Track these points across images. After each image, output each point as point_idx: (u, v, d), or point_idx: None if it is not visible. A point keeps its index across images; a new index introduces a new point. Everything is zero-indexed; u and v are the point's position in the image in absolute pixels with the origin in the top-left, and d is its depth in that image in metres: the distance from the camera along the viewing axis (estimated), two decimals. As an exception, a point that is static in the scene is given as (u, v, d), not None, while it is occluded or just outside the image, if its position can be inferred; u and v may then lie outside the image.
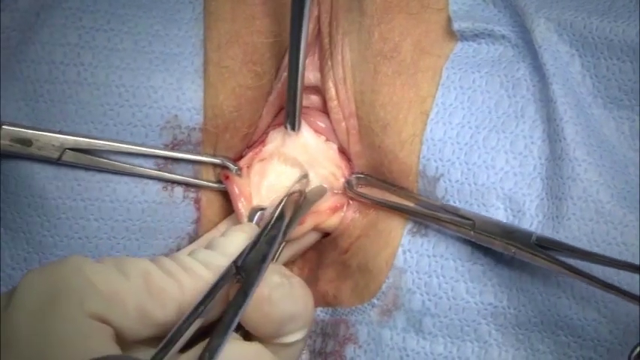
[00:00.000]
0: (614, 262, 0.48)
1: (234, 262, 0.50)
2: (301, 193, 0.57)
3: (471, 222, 0.53)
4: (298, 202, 0.57)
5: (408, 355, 0.55)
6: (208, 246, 0.52)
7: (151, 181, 0.57)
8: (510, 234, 0.51)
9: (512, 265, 0.52)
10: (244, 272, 0.50)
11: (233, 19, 0.57)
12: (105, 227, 0.56)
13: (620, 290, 0.48)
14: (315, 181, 0.59)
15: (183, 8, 0.57)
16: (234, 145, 0.59)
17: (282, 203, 0.55)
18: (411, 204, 0.56)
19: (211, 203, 0.59)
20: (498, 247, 0.52)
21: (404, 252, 0.56)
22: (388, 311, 0.56)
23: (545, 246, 0.50)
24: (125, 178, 0.56)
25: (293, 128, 0.58)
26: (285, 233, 0.54)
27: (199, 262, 0.50)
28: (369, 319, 0.57)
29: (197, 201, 0.58)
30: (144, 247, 0.57)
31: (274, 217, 0.54)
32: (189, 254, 0.51)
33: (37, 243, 0.56)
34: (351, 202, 0.60)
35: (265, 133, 0.60)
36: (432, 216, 0.55)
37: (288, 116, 0.58)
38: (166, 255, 0.52)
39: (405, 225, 0.56)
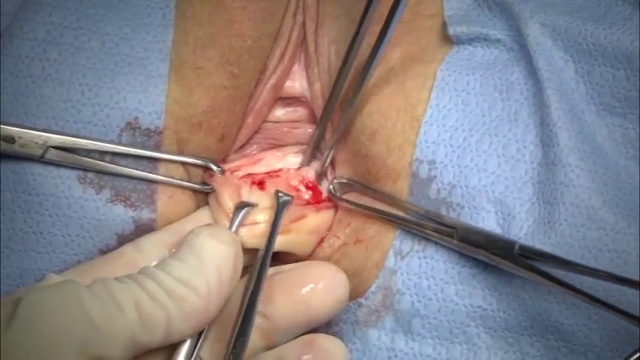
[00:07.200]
0: (595, 271, 0.48)
1: None
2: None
3: (454, 230, 0.53)
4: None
5: (396, 356, 0.55)
6: (180, 255, 0.52)
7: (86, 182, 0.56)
8: (493, 243, 0.51)
9: (503, 269, 0.52)
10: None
11: (210, 22, 0.56)
12: (59, 223, 0.55)
13: (603, 302, 0.48)
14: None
15: (153, 13, 0.56)
16: (210, 145, 0.58)
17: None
18: (395, 210, 0.56)
19: (174, 203, 0.58)
20: (482, 256, 0.52)
21: (395, 253, 0.56)
22: (376, 311, 0.56)
23: (528, 256, 0.50)
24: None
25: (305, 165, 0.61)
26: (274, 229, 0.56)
27: (179, 283, 0.50)
28: (355, 319, 0.56)
29: (152, 202, 0.57)
30: (98, 245, 0.56)
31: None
32: (162, 266, 0.51)
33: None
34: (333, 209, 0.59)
35: (256, 144, 0.61)
36: (415, 223, 0.54)
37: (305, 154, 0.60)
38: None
39: (397, 226, 0.56)
